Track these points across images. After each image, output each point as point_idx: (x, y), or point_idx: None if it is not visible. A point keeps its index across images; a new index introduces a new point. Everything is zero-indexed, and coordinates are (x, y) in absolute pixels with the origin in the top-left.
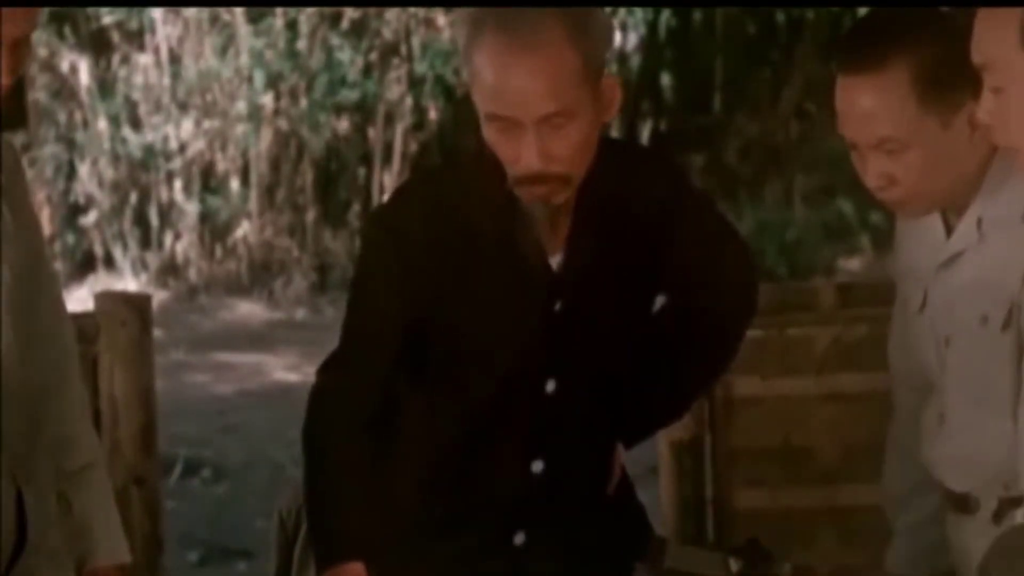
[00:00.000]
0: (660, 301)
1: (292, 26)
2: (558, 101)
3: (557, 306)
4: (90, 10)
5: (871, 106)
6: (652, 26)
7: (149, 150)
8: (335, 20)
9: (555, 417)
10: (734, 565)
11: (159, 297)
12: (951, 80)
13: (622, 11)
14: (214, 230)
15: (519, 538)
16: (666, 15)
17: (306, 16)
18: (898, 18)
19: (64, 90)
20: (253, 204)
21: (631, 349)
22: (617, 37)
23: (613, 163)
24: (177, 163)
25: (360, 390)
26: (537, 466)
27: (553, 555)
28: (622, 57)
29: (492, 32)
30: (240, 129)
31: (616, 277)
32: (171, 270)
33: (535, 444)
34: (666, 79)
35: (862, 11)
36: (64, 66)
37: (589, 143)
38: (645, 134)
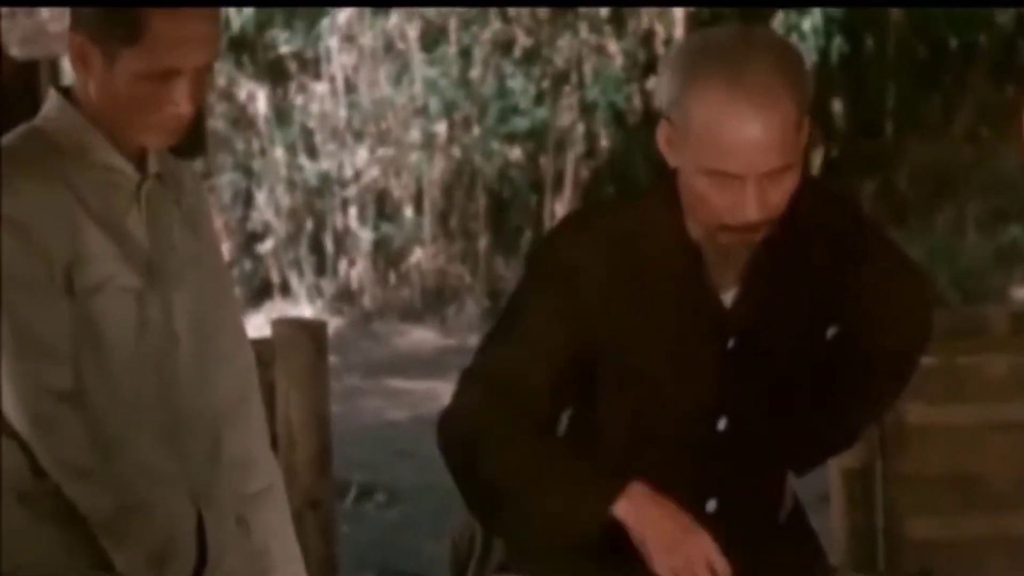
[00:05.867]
0: (832, 330)
1: (465, 54)
2: (784, 156)
3: (730, 344)
4: (267, 39)
5: None
6: (823, 52)
7: (325, 178)
8: (507, 48)
9: (727, 456)
10: None
11: (334, 323)
12: None
13: (793, 37)
14: (388, 257)
15: None
16: (837, 41)
17: (479, 44)
18: None
19: (242, 119)
20: (426, 231)
21: (803, 380)
22: None
23: (793, 202)
24: (352, 191)
25: (516, 410)
26: (711, 506)
27: None
28: None
29: (716, 85)
30: (414, 157)
31: (791, 314)
32: (346, 296)
33: (709, 484)
34: (837, 105)
35: None
36: (242, 95)
37: (794, 187)
38: (817, 160)
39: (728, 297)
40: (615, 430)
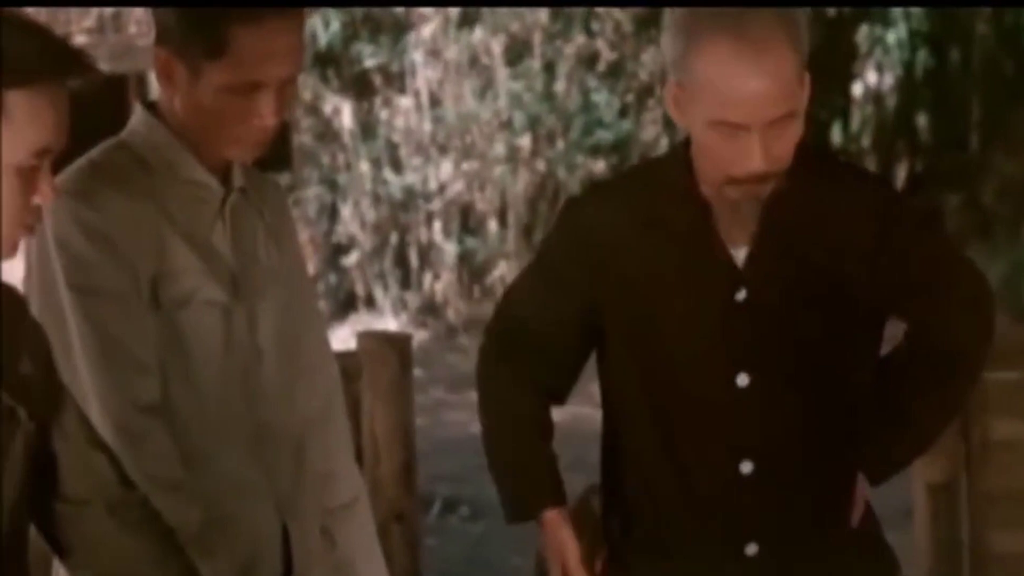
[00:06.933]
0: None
1: (550, 68)
2: (787, 104)
3: (739, 296)
4: (353, 53)
5: None
6: (908, 66)
7: (409, 191)
8: (592, 62)
9: (754, 414)
10: None
11: (418, 337)
12: None
13: (878, 51)
14: (472, 270)
15: (751, 549)
16: (922, 55)
17: (563, 59)
18: None
19: (328, 133)
20: (511, 244)
21: (862, 376)
22: (873, 78)
23: (812, 167)
24: (436, 204)
25: (524, 364)
26: (746, 467)
27: (790, 573)
28: (878, 97)
29: (719, 39)
30: (498, 171)
31: (810, 276)
32: (430, 310)
33: (738, 442)
34: (922, 119)
35: None
36: (327, 109)
37: (798, 139)
38: (901, 174)
39: (740, 254)
40: (632, 385)
